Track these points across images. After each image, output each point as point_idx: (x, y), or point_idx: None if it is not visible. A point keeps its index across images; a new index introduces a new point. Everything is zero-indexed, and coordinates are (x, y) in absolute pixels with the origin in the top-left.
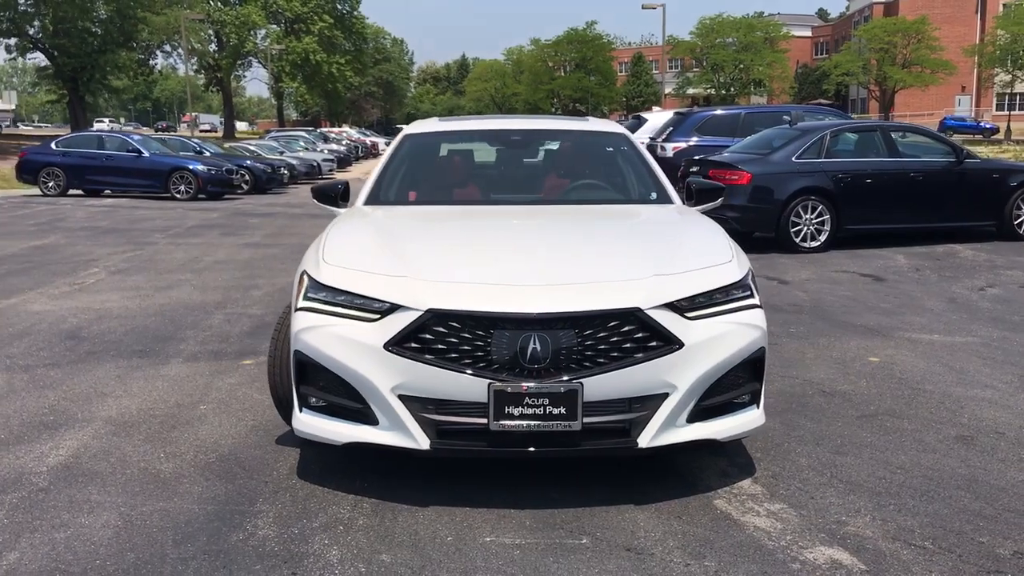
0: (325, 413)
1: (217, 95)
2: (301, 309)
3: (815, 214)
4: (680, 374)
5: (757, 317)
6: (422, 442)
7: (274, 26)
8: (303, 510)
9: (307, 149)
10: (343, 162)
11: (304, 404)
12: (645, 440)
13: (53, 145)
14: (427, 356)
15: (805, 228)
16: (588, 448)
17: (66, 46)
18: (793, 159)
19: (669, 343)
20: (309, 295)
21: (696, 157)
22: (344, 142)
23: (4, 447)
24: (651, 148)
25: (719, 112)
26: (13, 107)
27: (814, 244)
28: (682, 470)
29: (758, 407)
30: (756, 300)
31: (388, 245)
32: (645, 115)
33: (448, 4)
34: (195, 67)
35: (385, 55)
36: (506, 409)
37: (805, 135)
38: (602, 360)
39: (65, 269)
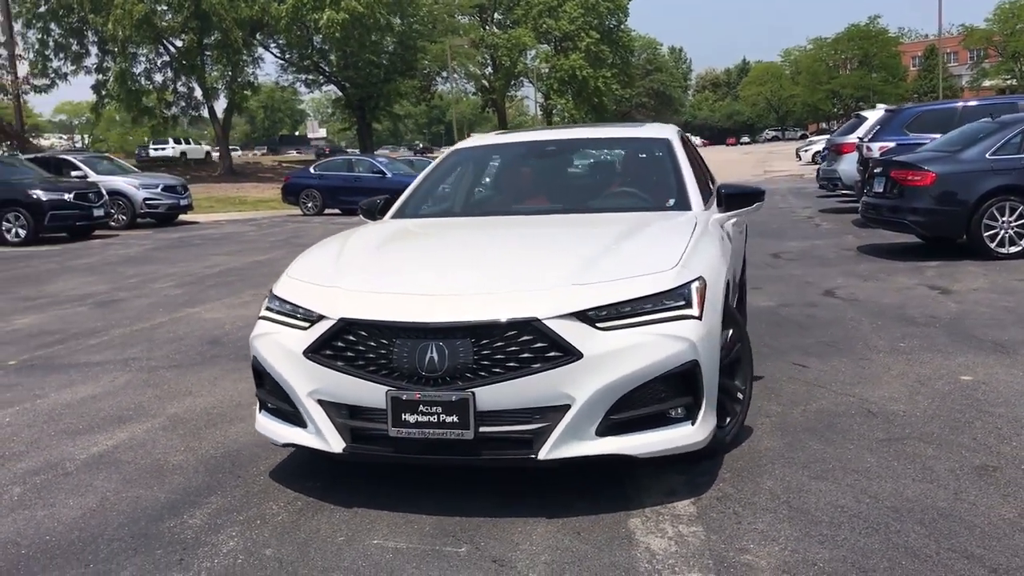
0: (273, 415)
1: (495, 115)
2: (260, 318)
3: (1015, 216)
4: (579, 386)
5: (686, 329)
6: (335, 446)
7: (544, 45)
8: (242, 504)
9: None
10: None
11: (262, 406)
12: (545, 452)
13: (311, 169)
14: (338, 363)
15: (1002, 232)
16: (488, 458)
17: (354, 78)
18: (987, 156)
19: (568, 354)
20: (266, 305)
21: (893, 158)
22: None
23: (72, 436)
24: (858, 149)
25: (933, 107)
26: (325, 135)
27: (1014, 249)
28: (629, 485)
29: (693, 423)
30: (693, 311)
31: (346, 259)
32: (865, 113)
33: (726, 9)
34: (473, 90)
35: (657, 65)
36: (402, 416)
37: (1004, 129)
38: (498, 370)
39: (260, 281)
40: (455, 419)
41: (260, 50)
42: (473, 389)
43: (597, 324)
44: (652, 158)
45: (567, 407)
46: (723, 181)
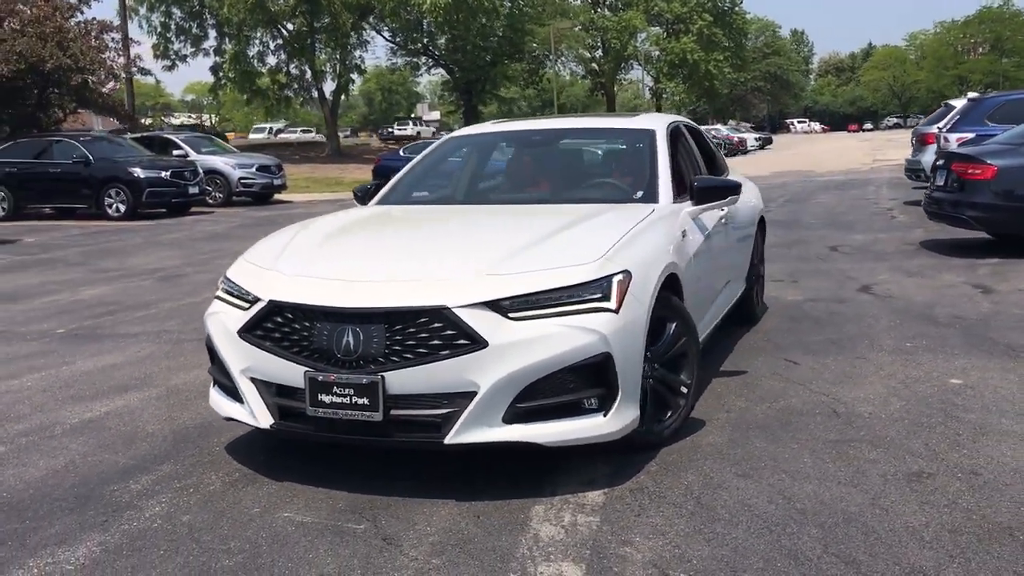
0: (221, 390)
1: (603, 99)
2: (215, 297)
3: None
4: (484, 373)
5: (599, 321)
6: (264, 422)
7: (655, 28)
8: (186, 473)
9: None
10: None
11: (214, 382)
12: (450, 437)
13: (401, 151)
14: (267, 343)
15: None
16: (399, 440)
17: (462, 61)
18: None
19: (474, 342)
20: (220, 285)
21: (951, 150)
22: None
23: (75, 402)
24: (937, 139)
25: (1020, 95)
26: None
27: None
28: (552, 473)
29: (606, 415)
30: (609, 304)
31: (296, 243)
32: (953, 102)
33: None
34: (581, 73)
35: (775, 48)
36: (319, 396)
37: None
38: (408, 355)
39: None
40: (365, 401)
41: (371, 33)
42: (383, 373)
43: (509, 314)
44: (632, 150)
45: (473, 394)
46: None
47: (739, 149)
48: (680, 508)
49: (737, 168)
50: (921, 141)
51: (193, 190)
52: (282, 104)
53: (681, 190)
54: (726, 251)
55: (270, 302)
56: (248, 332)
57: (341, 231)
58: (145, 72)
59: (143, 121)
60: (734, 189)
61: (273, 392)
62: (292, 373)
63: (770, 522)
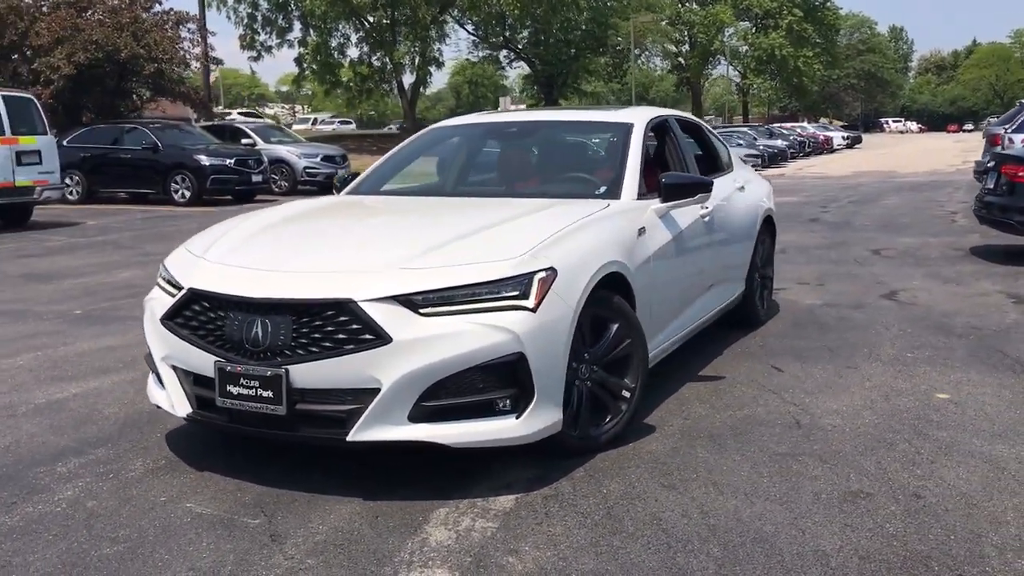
0: (154, 377)
1: (689, 94)
2: (156, 285)
3: None
4: (387, 370)
5: (513, 320)
6: (180, 410)
7: (744, 23)
8: (114, 458)
9: (740, 144)
10: (774, 158)
11: (151, 368)
12: (353, 434)
13: None
14: (184, 331)
15: None
16: (304, 435)
17: (543, 54)
18: None
19: (379, 337)
20: (160, 273)
21: (1002, 151)
22: (792, 138)
23: (53, 382)
24: (1002, 140)
25: None
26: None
27: None
28: (474, 475)
29: (518, 417)
30: (527, 303)
31: (234, 232)
32: None
33: None
34: (667, 68)
35: (870, 45)
36: (227, 387)
37: None
38: (314, 349)
39: None
40: (270, 394)
41: (453, 27)
42: (288, 366)
43: (420, 310)
44: (606, 144)
45: (377, 391)
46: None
47: (824, 148)
48: (587, 518)
49: (816, 167)
50: (991, 142)
51: (257, 178)
52: (363, 96)
53: (655, 187)
54: (711, 251)
55: (189, 290)
56: (169, 319)
57: (284, 220)
58: (217, 62)
59: (218, 109)
60: (704, 187)
61: (191, 381)
62: (206, 362)
63: (673, 538)
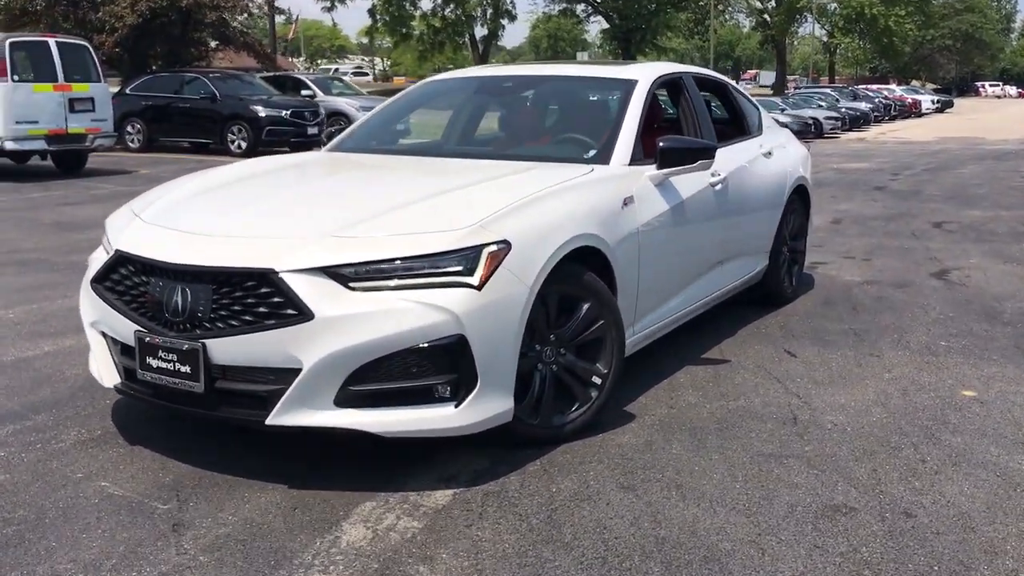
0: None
1: (773, 53)
2: (101, 244)
3: None
4: (308, 349)
5: (453, 299)
6: (107, 380)
7: None
8: (52, 426)
9: (821, 106)
10: (855, 121)
11: None
12: (272, 417)
13: None
14: (111, 296)
15: None
16: (224, 415)
17: (622, 9)
18: None
19: (301, 313)
20: (104, 234)
21: None
22: (877, 100)
23: (31, 338)
24: None
25: None
26: None
27: None
28: (417, 465)
29: (458, 405)
30: (471, 280)
31: (181, 190)
32: None
33: None
34: (752, 24)
35: (968, 5)
36: (147, 359)
37: None
38: (234, 322)
39: None
40: (188, 369)
41: None
42: (206, 340)
43: (351, 283)
44: (604, 103)
45: (298, 371)
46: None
47: (912, 111)
48: (524, 521)
49: (899, 131)
50: None
51: (312, 130)
52: (435, 49)
53: (653, 151)
54: (722, 223)
55: (116, 251)
56: (98, 282)
57: (237, 179)
58: (280, 12)
59: (342, 63)
60: (705, 152)
61: (119, 350)
62: (124, 331)
63: (613, 551)
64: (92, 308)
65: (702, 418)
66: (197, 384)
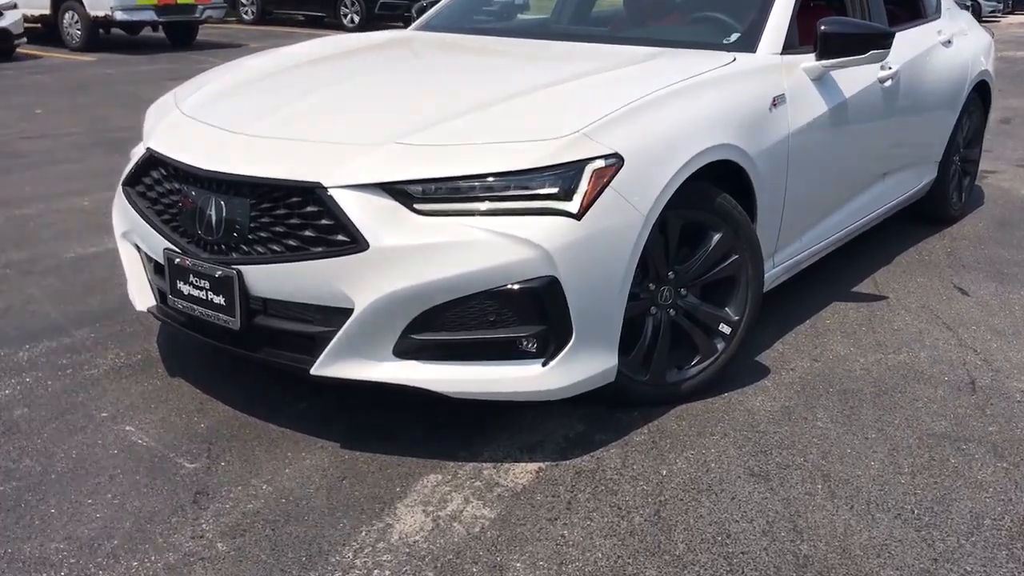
0: None
1: None
2: None
3: None
4: (362, 287)
5: (547, 230)
6: (139, 302)
7: None
8: (91, 345)
9: None
10: (1018, 3)
11: None
12: (317, 365)
13: None
14: (143, 203)
15: None
16: (265, 357)
17: None
18: None
19: (353, 241)
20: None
21: None
22: None
23: (91, 232)
24: None
25: None
26: None
27: None
28: (493, 419)
29: (545, 364)
30: (570, 205)
31: (234, 75)
32: None
33: None
34: None
35: None
36: (177, 284)
37: None
38: (275, 247)
39: None
40: (222, 301)
41: None
42: (241, 266)
43: (416, 205)
44: None
45: (349, 311)
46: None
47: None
48: (624, 518)
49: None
50: None
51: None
52: None
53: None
54: (890, 128)
55: (147, 150)
56: (129, 185)
57: (299, 63)
58: None
59: None
60: (880, 39)
61: (152, 268)
62: (155, 246)
63: (738, 572)
64: (123, 216)
65: (854, 377)
66: (232, 319)
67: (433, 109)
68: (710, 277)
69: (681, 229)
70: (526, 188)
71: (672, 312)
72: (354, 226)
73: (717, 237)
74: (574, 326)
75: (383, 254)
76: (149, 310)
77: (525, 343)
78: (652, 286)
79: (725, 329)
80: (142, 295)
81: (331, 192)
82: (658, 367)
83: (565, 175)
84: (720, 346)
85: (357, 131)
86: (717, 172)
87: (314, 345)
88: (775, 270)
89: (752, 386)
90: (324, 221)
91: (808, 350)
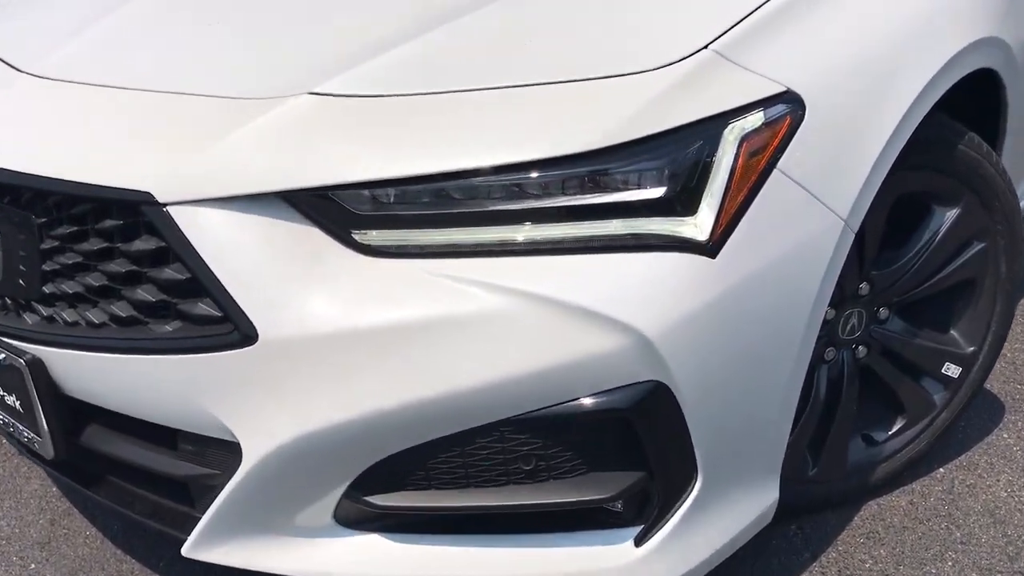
0: None
1: None
2: None
3: None
4: (246, 415)
5: (637, 289)
6: None
7: None
8: None
9: None
10: None
11: None
12: (189, 544)
13: None
14: None
15: None
16: (108, 504)
17: None
18: None
19: (226, 320)
20: None
21: None
22: None
23: None
24: None
25: None
26: None
27: None
28: None
29: (644, 539)
30: (688, 226)
31: None
32: None
33: None
34: None
35: None
36: None
37: None
38: (91, 312)
39: None
40: (18, 406)
41: None
42: (37, 347)
43: (358, 235)
44: None
45: (237, 449)
46: None
47: None
48: None
49: None
50: None
51: None
52: None
53: None
54: None
55: None
56: None
57: None
58: None
59: None
60: None
61: None
62: None
63: None
64: None
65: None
66: (40, 439)
67: (382, 21)
68: (930, 286)
69: (889, 209)
70: (591, 190)
71: (863, 351)
72: (222, 289)
73: (953, 215)
74: (699, 465)
75: (287, 350)
76: None
77: (603, 504)
78: (831, 312)
79: (951, 372)
80: None
81: (171, 211)
82: (835, 450)
83: (680, 154)
84: (939, 399)
85: (230, 72)
86: (950, 95)
87: (188, 495)
88: None
89: (989, 474)
90: (166, 271)
91: None
